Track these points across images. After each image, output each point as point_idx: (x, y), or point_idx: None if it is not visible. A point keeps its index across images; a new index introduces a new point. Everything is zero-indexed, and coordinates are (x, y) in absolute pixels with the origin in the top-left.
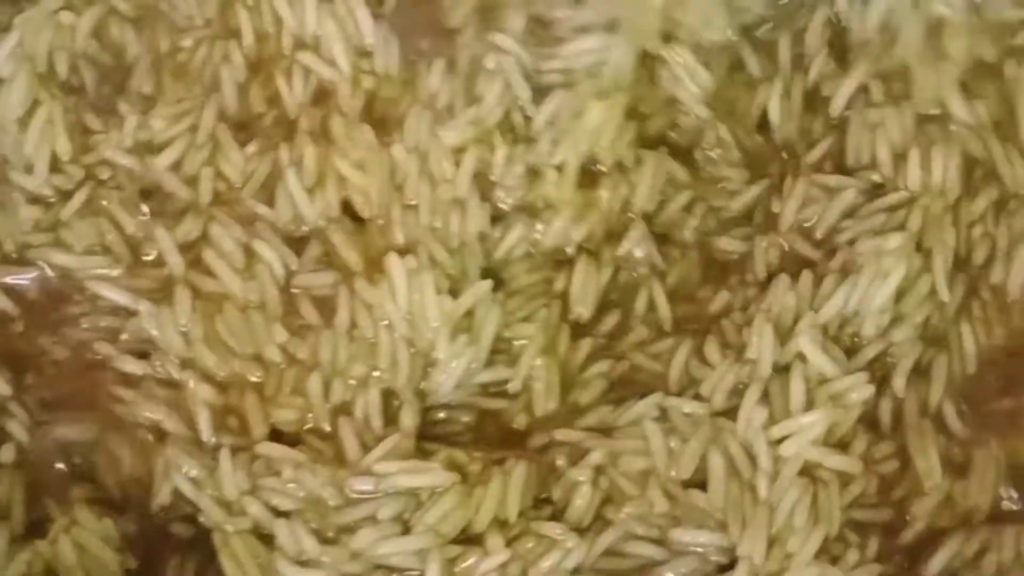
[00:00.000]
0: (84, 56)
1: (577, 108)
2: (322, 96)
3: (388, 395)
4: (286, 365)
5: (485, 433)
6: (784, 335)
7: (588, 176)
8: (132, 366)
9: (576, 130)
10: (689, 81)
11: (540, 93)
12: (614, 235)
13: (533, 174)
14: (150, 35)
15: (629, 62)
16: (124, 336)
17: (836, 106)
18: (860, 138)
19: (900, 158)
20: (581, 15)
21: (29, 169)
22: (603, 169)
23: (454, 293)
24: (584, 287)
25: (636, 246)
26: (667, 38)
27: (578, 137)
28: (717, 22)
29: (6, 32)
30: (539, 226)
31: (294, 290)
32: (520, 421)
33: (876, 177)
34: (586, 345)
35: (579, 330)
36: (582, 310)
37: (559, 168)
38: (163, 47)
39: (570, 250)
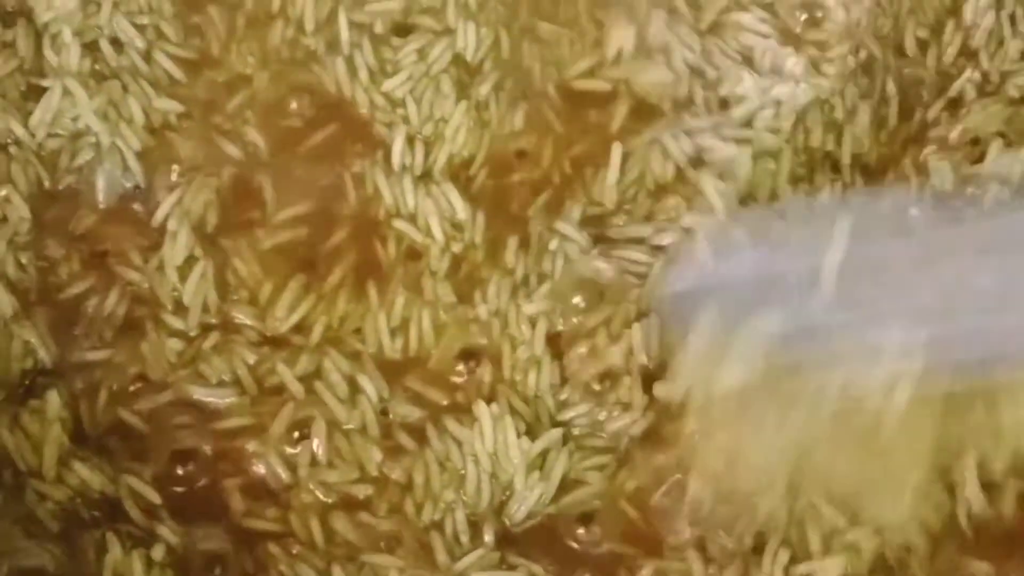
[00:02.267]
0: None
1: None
2: (413, 255)
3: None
4: (383, 485)
5: (554, 549)
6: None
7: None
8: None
9: None
10: None
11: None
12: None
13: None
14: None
15: None
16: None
17: None
18: None
19: None
20: (635, 228)
21: (178, 312)
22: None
23: (531, 436)
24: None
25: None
26: None
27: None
28: None
29: (169, 189)
30: (603, 413)
31: (391, 416)
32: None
33: None
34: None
35: None
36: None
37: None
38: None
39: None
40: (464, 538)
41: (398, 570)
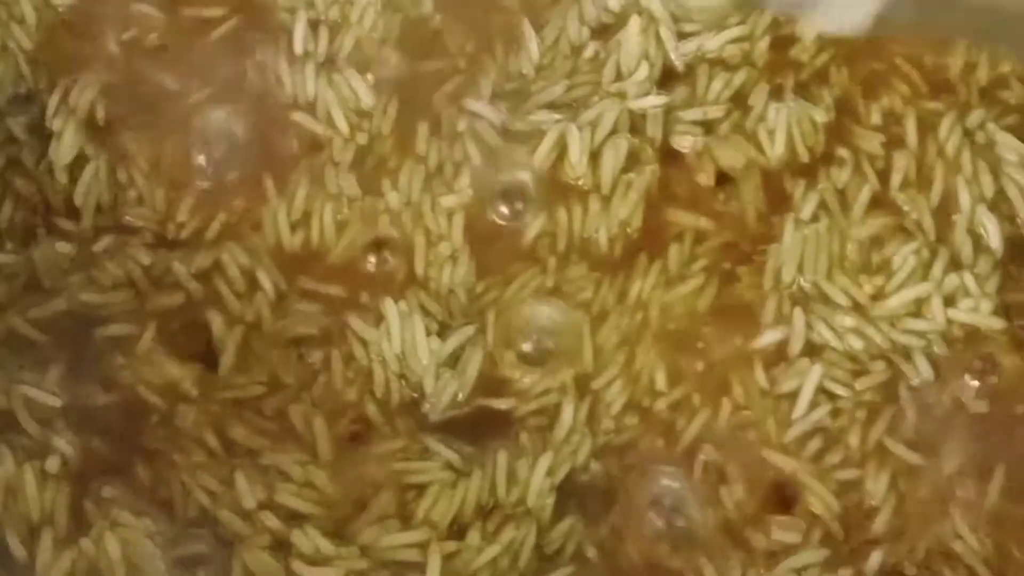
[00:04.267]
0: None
1: None
2: (316, 146)
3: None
4: (279, 384)
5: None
6: None
7: None
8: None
9: None
10: None
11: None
12: None
13: None
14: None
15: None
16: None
17: None
18: None
19: None
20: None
21: (72, 215)
22: None
23: (441, 334)
24: None
25: None
26: None
27: None
28: None
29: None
30: None
31: (290, 312)
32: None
33: None
34: None
35: None
36: None
37: None
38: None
39: None
40: (378, 430)
41: (301, 464)
